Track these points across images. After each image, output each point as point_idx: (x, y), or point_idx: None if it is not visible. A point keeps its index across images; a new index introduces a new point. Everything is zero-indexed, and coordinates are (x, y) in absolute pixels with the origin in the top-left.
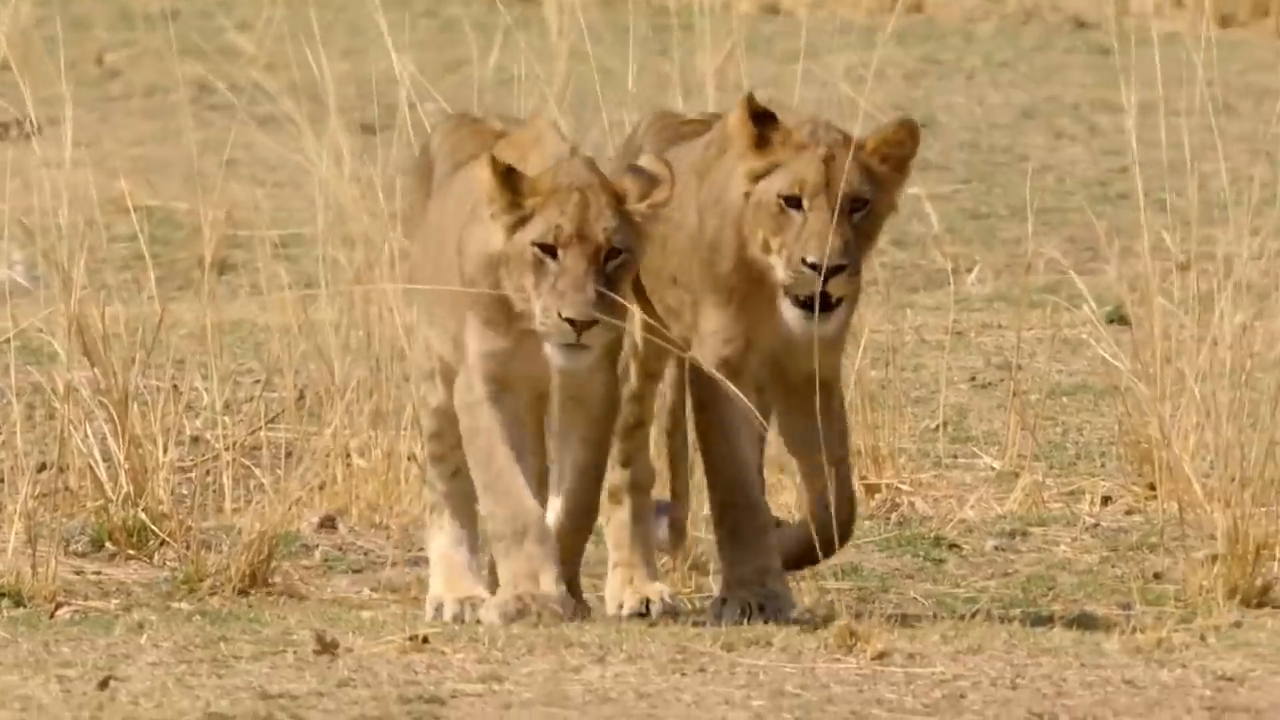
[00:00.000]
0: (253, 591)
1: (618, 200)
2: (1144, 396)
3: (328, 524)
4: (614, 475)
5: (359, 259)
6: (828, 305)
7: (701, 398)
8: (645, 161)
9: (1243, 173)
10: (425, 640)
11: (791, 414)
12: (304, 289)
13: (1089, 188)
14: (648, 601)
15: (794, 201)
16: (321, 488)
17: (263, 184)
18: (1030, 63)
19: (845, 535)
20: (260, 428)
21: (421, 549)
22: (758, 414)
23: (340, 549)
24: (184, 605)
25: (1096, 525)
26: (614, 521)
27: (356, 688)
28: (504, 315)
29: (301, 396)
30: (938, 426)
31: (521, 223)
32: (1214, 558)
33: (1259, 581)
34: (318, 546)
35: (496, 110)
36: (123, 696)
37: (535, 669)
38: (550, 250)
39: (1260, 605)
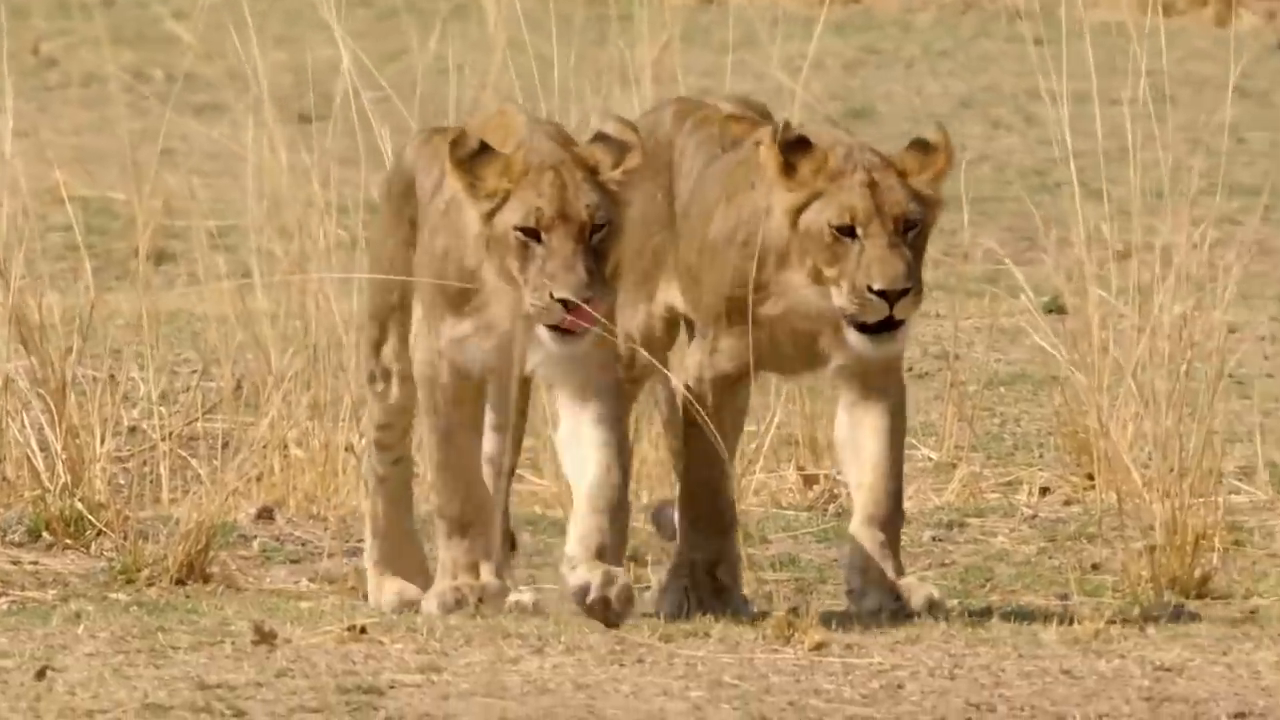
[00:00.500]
0: (190, 582)
1: (592, 172)
2: (1082, 386)
3: (265, 515)
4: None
5: (295, 249)
6: (893, 325)
7: (697, 407)
8: (611, 128)
9: (1182, 162)
10: (363, 630)
11: (853, 407)
12: (241, 279)
13: (1026, 177)
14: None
15: (847, 230)
16: (259, 478)
17: (199, 173)
18: (968, 52)
19: (898, 528)
20: (197, 418)
21: (360, 540)
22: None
23: (278, 539)
24: (121, 596)
25: (1034, 516)
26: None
27: (294, 678)
28: (471, 304)
29: (239, 387)
30: None
31: (499, 206)
32: (1152, 548)
33: (1197, 572)
34: (255, 537)
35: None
36: (60, 687)
37: (473, 660)
38: (533, 233)
39: (1199, 596)
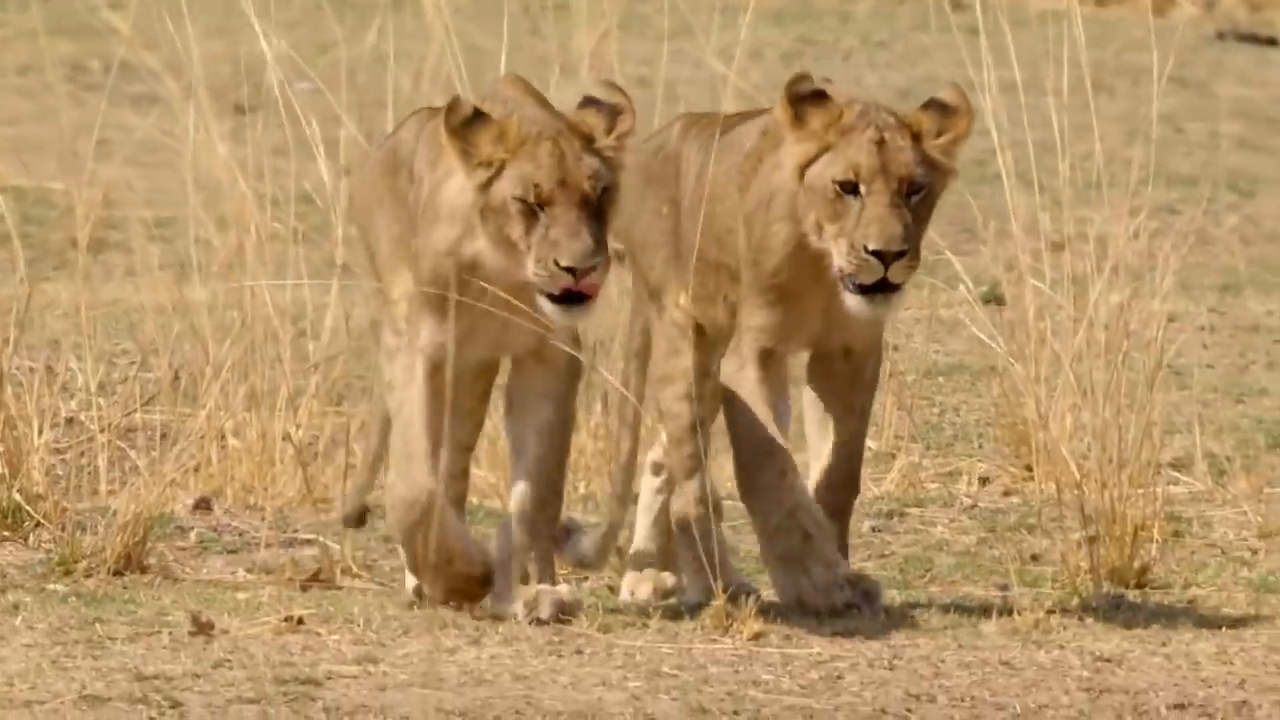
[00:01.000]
0: (128, 573)
1: (588, 140)
2: (1020, 377)
3: (203, 505)
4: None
5: (232, 240)
6: (889, 288)
7: (730, 391)
8: (601, 92)
9: (1119, 153)
10: (300, 621)
11: (824, 381)
12: (178, 269)
13: (964, 168)
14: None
15: (850, 187)
16: (196, 469)
17: (136, 164)
18: (906, 43)
19: (849, 503)
20: (135, 409)
21: (296, 530)
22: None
23: (215, 530)
24: (59, 587)
25: (974, 506)
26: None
27: (232, 669)
28: (458, 304)
29: (176, 378)
30: None
31: (495, 176)
32: (1091, 539)
33: (1136, 563)
34: (193, 528)
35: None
36: None
37: (411, 650)
38: (535, 203)
39: (1138, 586)
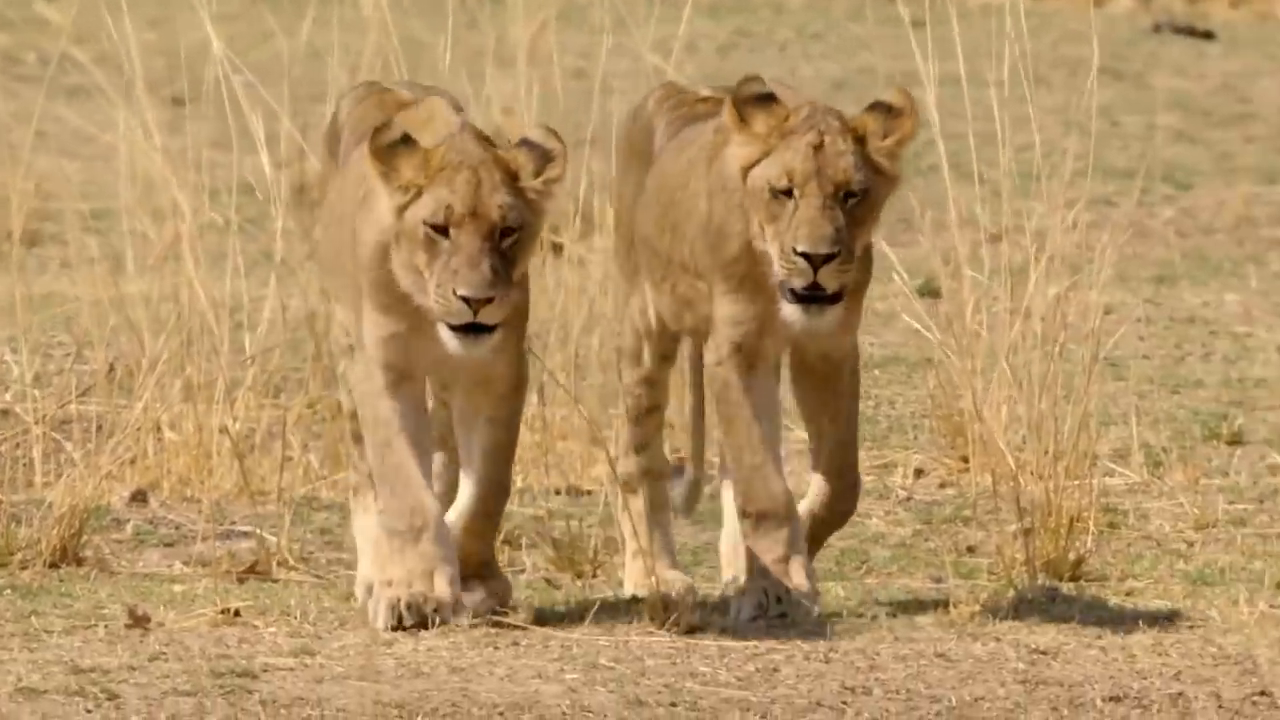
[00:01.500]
0: (63, 565)
1: (511, 177)
2: (956, 369)
3: (139, 498)
4: (627, 462)
5: (168, 232)
6: (825, 298)
7: (717, 388)
8: (536, 135)
9: (1056, 145)
10: (237, 614)
11: (803, 389)
12: (114, 262)
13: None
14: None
15: (785, 191)
16: (133, 461)
17: (72, 156)
18: (841, 34)
19: (845, 515)
20: (71, 401)
21: (233, 522)
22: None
23: (151, 523)
24: None
25: (909, 498)
26: (631, 510)
27: (168, 661)
28: (400, 299)
29: (112, 370)
30: None
31: (412, 201)
32: (1027, 531)
33: (1072, 555)
34: (129, 520)
35: (406, 81)
36: None
37: (347, 643)
38: (442, 230)
39: (1073, 578)
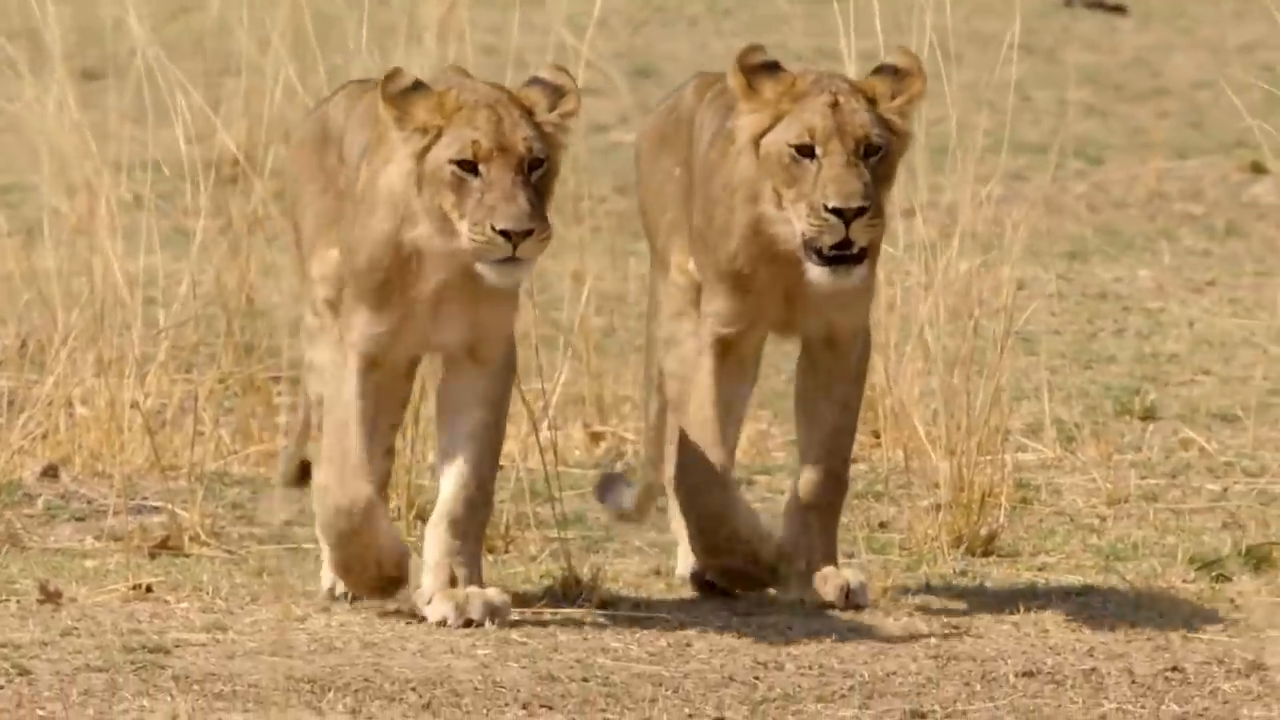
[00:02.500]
0: None
1: (528, 112)
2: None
3: (50, 473)
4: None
5: (81, 206)
6: (852, 258)
7: (678, 386)
8: (546, 74)
9: (969, 120)
10: (149, 589)
11: (807, 371)
12: (25, 236)
13: None
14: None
15: (806, 150)
16: (44, 436)
17: None
18: (753, 10)
19: (834, 506)
20: None
21: (144, 497)
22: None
23: (63, 498)
24: None
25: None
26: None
27: (80, 637)
28: (392, 297)
29: (24, 345)
30: None
31: (433, 142)
32: (939, 506)
33: (984, 530)
34: (40, 495)
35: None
36: None
37: (260, 618)
38: (470, 166)
39: (985, 554)
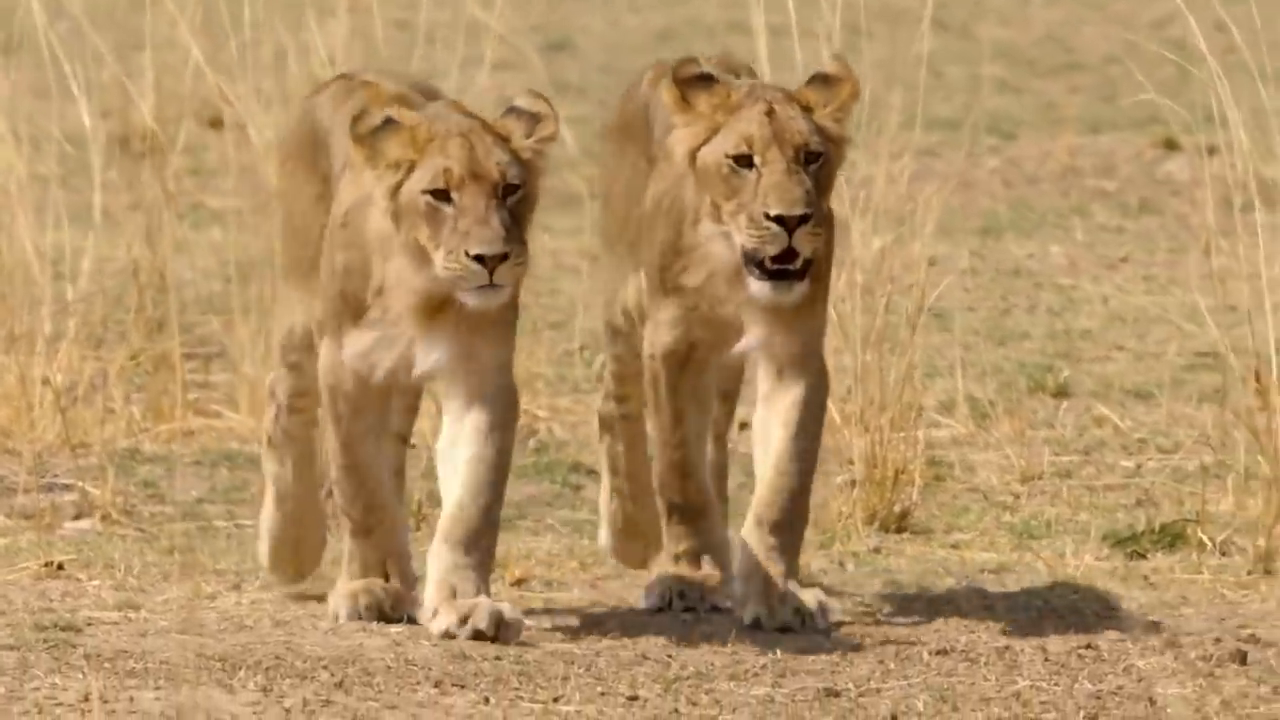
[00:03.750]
0: None
1: (503, 140)
2: None
3: None
4: (606, 405)
5: None
6: (795, 273)
7: (648, 379)
8: (523, 101)
9: (881, 97)
10: (60, 567)
11: (764, 402)
12: None
13: None
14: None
15: (744, 160)
16: None
17: None
18: None
19: (787, 541)
20: None
21: (55, 475)
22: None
23: None
24: None
25: (733, 451)
26: (608, 451)
27: None
28: (380, 320)
29: None
30: (575, 351)
31: (405, 177)
32: (853, 483)
33: (897, 507)
34: None
35: (381, 67)
36: None
37: (171, 596)
38: (444, 195)
39: (899, 531)
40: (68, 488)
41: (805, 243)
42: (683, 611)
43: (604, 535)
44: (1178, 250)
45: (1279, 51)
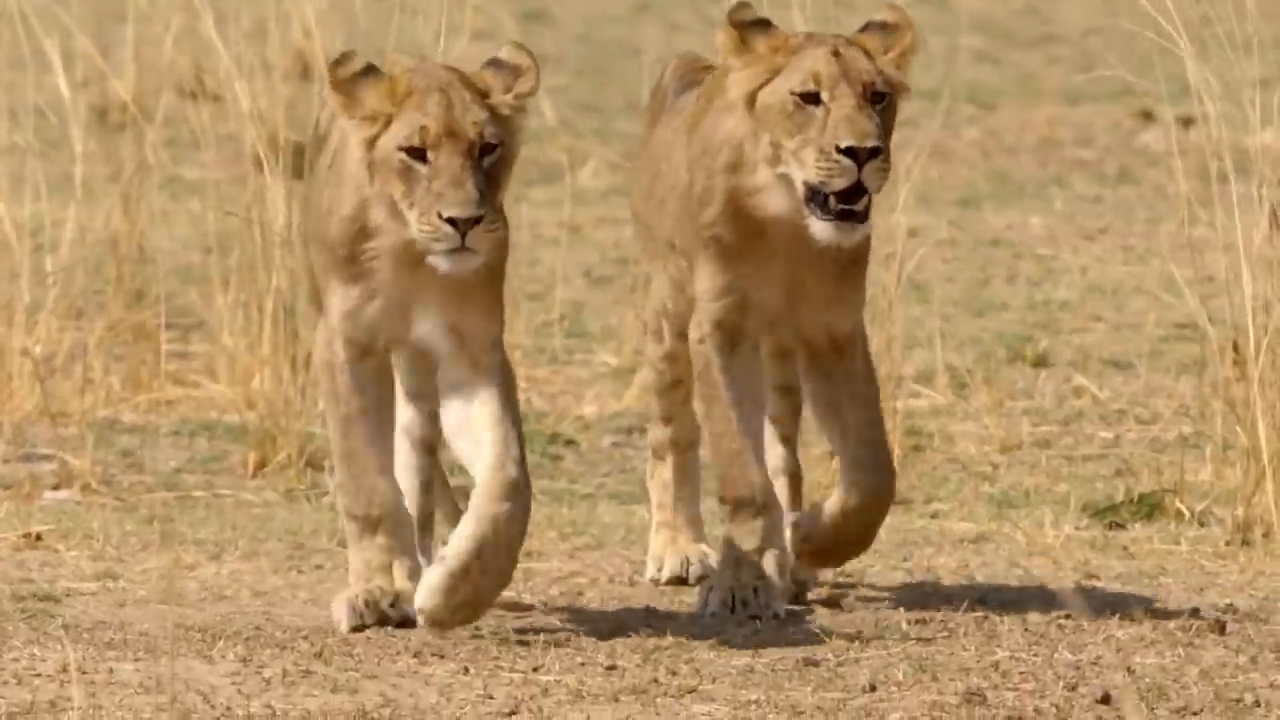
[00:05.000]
0: None
1: (482, 95)
2: None
3: None
4: (656, 431)
5: None
6: (858, 214)
7: (699, 367)
8: (504, 54)
9: None
10: (39, 538)
11: (815, 380)
12: None
13: None
14: (687, 561)
15: (812, 97)
16: None
17: None
18: None
19: (884, 504)
20: None
21: (34, 445)
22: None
23: None
24: None
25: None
26: (657, 480)
27: None
28: (363, 271)
29: None
30: (554, 322)
31: (382, 130)
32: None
33: None
34: None
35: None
36: None
37: (150, 566)
38: (419, 153)
39: None
40: (47, 458)
41: (873, 177)
42: (748, 619)
43: (651, 570)
44: (1155, 220)
45: (1255, 22)
